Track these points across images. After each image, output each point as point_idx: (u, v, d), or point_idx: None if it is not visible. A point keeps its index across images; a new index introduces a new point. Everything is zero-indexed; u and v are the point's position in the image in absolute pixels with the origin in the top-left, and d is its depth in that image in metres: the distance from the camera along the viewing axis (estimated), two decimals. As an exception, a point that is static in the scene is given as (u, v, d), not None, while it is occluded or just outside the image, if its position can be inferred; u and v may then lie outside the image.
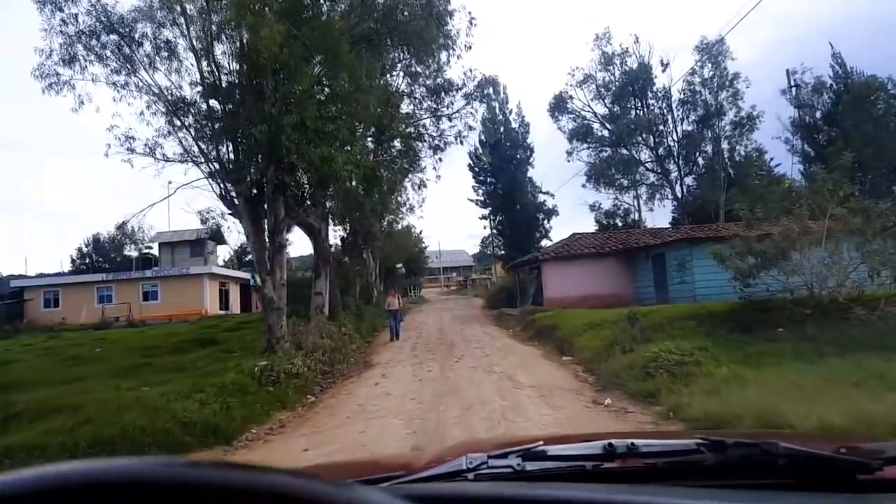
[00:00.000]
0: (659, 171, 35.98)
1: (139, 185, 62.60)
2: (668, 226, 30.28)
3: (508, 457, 1.08)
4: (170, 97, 11.38)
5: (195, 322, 22.92)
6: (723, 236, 13.23)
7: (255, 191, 11.03)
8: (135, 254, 31.12)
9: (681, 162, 35.42)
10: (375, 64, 14.06)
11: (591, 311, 14.87)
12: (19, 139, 75.43)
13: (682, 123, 35.02)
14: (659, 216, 48.48)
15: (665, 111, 35.44)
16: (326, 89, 12.41)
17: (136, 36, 10.84)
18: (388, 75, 17.25)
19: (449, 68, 17.87)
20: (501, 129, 38.69)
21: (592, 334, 11.90)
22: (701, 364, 7.72)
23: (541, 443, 1.15)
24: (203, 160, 11.49)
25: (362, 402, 8.14)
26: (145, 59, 11.06)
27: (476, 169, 39.31)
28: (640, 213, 36.83)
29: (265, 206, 11.16)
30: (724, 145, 34.29)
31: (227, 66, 11.23)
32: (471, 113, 18.62)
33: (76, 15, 10.56)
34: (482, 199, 39.71)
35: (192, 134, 11.49)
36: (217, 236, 31.31)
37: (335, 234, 21.71)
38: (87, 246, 47.96)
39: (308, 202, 13.74)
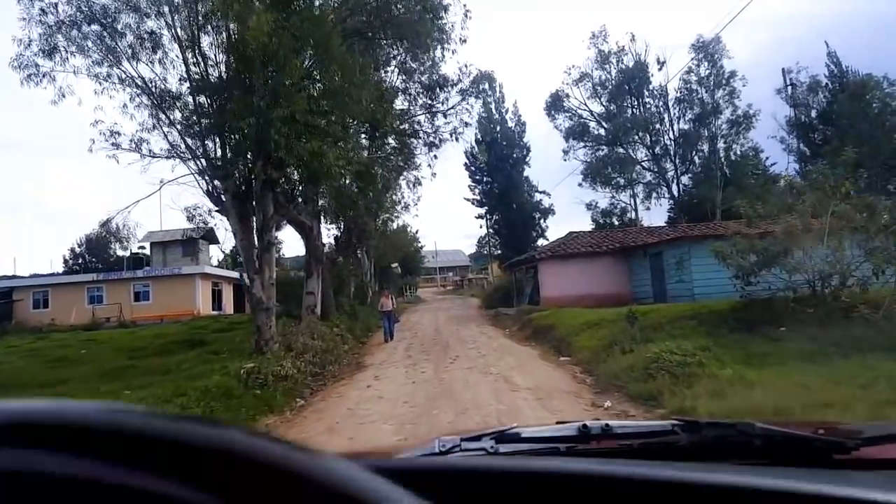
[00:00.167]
0: (655, 169, 35.87)
1: (136, 184, 62.10)
2: (665, 225, 30.11)
3: (482, 439, 1.08)
4: (154, 90, 11.04)
5: (186, 323, 22.61)
6: (721, 234, 13.05)
7: (242, 187, 10.71)
8: (126, 253, 30.78)
9: (677, 161, 35.32)
10: (369, 58, 13.77)
11: (588, 311, 14.66)
12: (14, 139, 74.63)
13: (678, 122, 34.96)
14: (655, 215, 48.40)
15: (661, 110, 35.35)
16: (318, 83, 12.13)
17: (119, 27, 10.47)
18: (382, 71, 16.94)
19: (444, 63, 17.60)
20: (497, 128, 38.47)
21: (590, 334, 11.68)
22: (703, 365, 7.50)
23: (515, 425, 1.16)
24: (190, 156, 11.16)
25: (353, 405, 7.83)
26: (128, 49, 10.69)
27: (472, 168, 39.12)
28: (637, 211, 36.75)
29: (253, 202, 10.84)
30: (721, 144, 34.22)
31: (214, 57, 10.91)
32: (466, 109, 18.33)
33: (56, 4, 10.21)
34: (478, 198, 39.52)
35: (178, 128, 11.16)
36: (210, 236, 30.95)
37: (328, 233, 21.42)
38: (79, 246, 47.51)
39: (299, 199, 13.41)
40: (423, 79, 17.98)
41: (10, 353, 15.35)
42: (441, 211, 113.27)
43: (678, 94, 34.34)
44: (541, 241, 34.85)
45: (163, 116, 11.39)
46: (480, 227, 43.02)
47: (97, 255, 44.53)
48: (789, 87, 34.07)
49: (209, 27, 10.45)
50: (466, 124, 18.50)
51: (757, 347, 8.72)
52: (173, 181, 11.55)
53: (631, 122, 34.59)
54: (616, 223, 35.24)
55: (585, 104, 36.11)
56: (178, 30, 10.38)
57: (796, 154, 33.60)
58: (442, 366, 10.89)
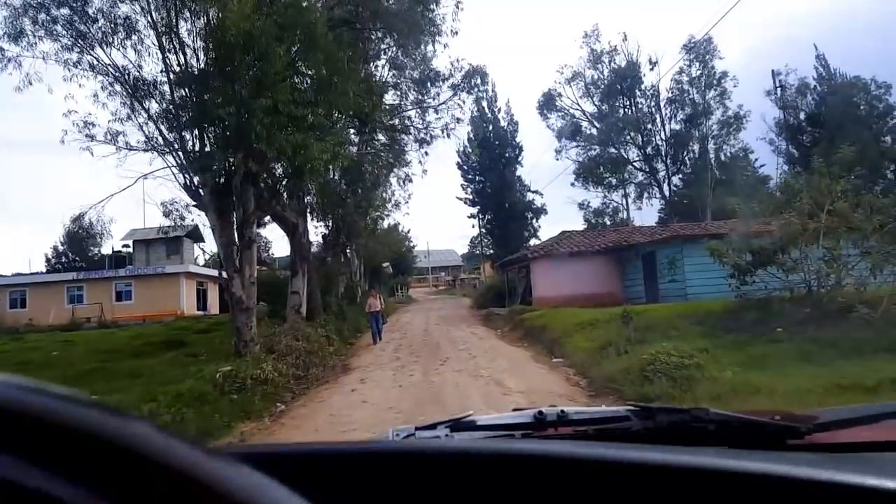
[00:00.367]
0: (647, 169, 35.79)
1: (121, 180, 60.81)
2: (655, 225, 30.01)
3: (437, 427, 1.10)
4: (129, 78, 10.55)
5: (168, 323, 22.05)
6: (714, 234, 12.88)
7: (222, 181, 10.25)
8: (107, 251, 30.11)
9: (668, 161, 35.28)
10: (358, 51, 13.37)
11: (581, 311, 14.38)
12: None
13: (669, 122, 34.94)
14: (647, 215, 48.38)
15: (653, 110, 35.28)
16: (304, 75, 11.72)
17: (91, 11, 9.96)
18: (372, 65, 16.53)
19: (435, 57, 17.19)
20: (490, 127, 38.16)
21: (584, 335, 11.39)
22: (702, 367, 7.20)
23: (471, 413, 1.19)
24: (167, 149, 10.69)
25: (335, 411, 7.42)
26: (100, 35, 10.19)
27: (465, 167, 38.81)
28: (629, 211, 36.65)
29: (233, 197, 10.38)
30: (711, 145, 34.21)
31: (193, 44, 10.45)
32: (458, 104, 17.89)
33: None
34: (471, 197, 39.17)
35: (154, 118, 10.69)
36: (194, 234, 30.34)
37: (316, 231, 20.95)
38: (62, 244, 46.48)
39: (283, 195, 12.95)
40: (414, 74, 17.59)
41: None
42: (434, 211, 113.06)
43: (670, 95, 34.35)
44: (533, 241, 34.58)
45: (138, 106, 10.91)
46: (473, 226, 42.67)
47: (80, 254, 43.59)
48: (778, 90, 34.15)
49: (187, 12, 9.99)
50: (458, 120, 18.09)
51: (755, 348, 8.43)
52: (150, 175, 11.06)
53: (623, 122, 34.50)
54: (608, 223, 35.11)
55: (578, 104, 36.03)
56: (154, 14, 9.90)
57: (785, 156, 33.68)
58: (431, 368, 10.51)
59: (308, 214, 16.72)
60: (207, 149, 10.69)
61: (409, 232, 45.04)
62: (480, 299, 29.32)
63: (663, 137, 34.96)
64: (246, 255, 10.57)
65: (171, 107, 10.81)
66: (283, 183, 12.49)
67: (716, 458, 0.73)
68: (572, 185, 36.36)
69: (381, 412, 7.08)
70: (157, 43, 10.60)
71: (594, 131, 35.85)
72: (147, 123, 11.03)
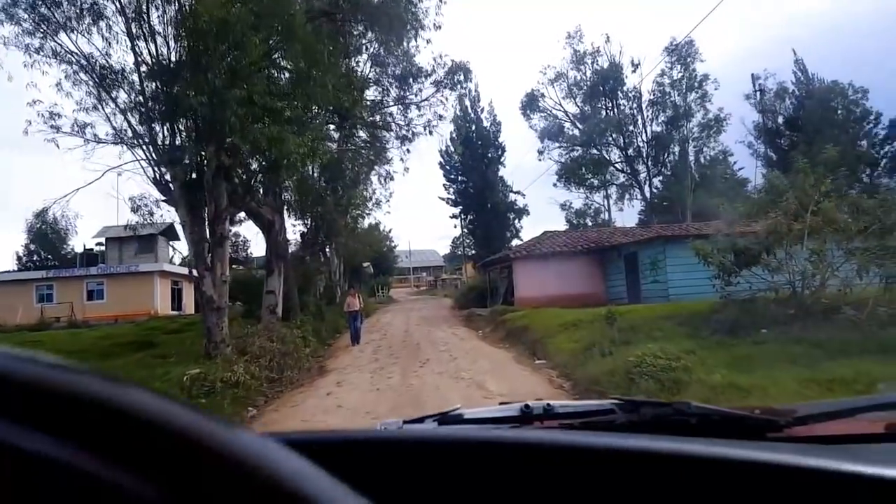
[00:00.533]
0: (628, 171, 35.95)
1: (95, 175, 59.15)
2: (636, 226, 30.13)
3: (424, 421, 1.15)
4: (95, 67, 10.05)
5: (141, 323, 21.37)
6: (696, 235, 12.82)
7: (193, 175, 9.81)
8: (79, 249, 29.17)
9: (649, 163, 35.47)
10: (339, 44, 12.99)
11: (564, 311, 14.22)
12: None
13: (651, 124, 35.11)
14: (628, 216, 48.71)
15: (635, 112, 35.43)
16: (281, 68, 11.33)
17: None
18: (353, 59, 16.13)
19: (418, 53, 16.87)
20: (473, 127, 38.00)
21: (567, 336, 11.19)
22: (690, 370, 7.02)
23: (458, 406, 1.23)
24: (135, 140, 10.21)
25: (308, 416, 7.05)
26: (65, 20, 9.67)
27: (447, 167, 38.62)
28: (610, 212, 36.79)
29: (205, 192, 9.93)
30: (692, 147, 34.50)
31: (164, 31, 9.98)
32: (441, 101, 17.57)
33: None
34: (453, 197, 38.98)
35: (123, 109, 10.20)
36: (170, 232, 29.54)
37: (294, 229, 20.45)
38: (32, 242, 44.99)
39: (260, 190, 12.50)
40: (396, 71, 17.24)
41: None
42: (416, 211, 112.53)
43: (651, 97, 34.54)
44: (515, 242, 34.48)
45: (105, 96, 10.42)
46: (455, 226, 42.50)
47: (53, 252, 42.23)
48: (758, 93, 34.61)
49: (158, -1, 9.54)
50: (441, 117, 17.79)
51: (740, 350, 8.29)
52: (117, 168, 10.56)
53: (605, 124, 34.57)
54: (590, 224, 35.19)
55: (560, 104, 36.05)
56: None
57: (763, 159, 34.14)
58: (411, 370, 10.20)
59: (286, 211, 16.29)
60: (178, 141, 10.24)
61: (390, 231, 44.72)
62: (462, 300, 29.07)
63: (645, 139, 35.16)
64: (218, 253, 10.12)
65: (140, 97, 10.35)
66: (259, 178, 12.05)
67: (699, 446, 0.75)
68: (554, 185, 36.42)
69: (357, 417, 6.75)
70: (125, 30, 10.14)
71: (576, 132, 35.90)
72: (115, 114, 10.57)
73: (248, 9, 9.28)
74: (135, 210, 10.89)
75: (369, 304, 27.24)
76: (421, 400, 7.56)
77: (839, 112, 32.10)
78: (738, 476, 0.69)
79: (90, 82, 10.52)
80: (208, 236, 10.15)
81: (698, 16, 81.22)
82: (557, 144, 36.08)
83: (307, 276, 19.97)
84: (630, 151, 35.45)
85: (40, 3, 9.36)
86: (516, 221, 38.01)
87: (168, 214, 11.85)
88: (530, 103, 35.76)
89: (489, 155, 37.78)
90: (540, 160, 36.15)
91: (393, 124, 17.67)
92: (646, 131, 35.11)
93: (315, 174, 16.03)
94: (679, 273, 15.66)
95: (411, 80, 16.94)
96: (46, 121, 10.35)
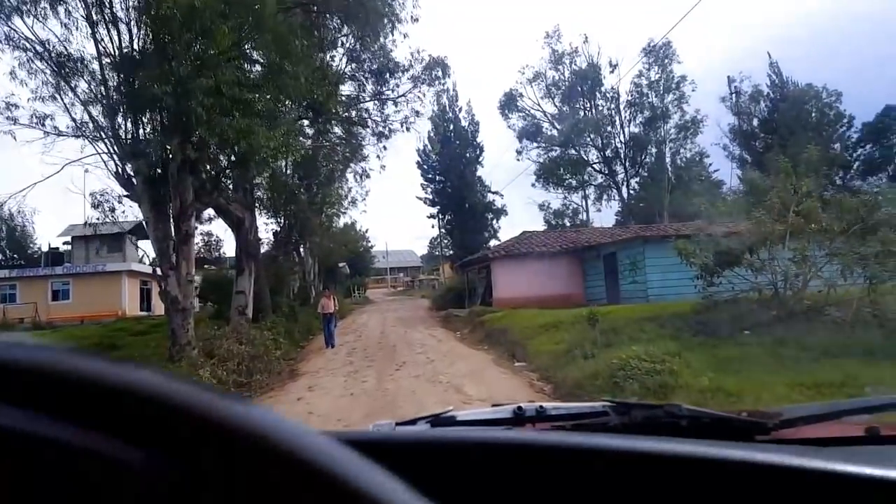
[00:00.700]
0: (606, 171, 36.10)
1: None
2: (614, 226, 30.23)
3: (417, 423, 1.14)
4: (52, 54, 9.45)
5: (108, 324, 20.55)
6: (676, 235, 12.70)
7: (157, 169, 9.27)
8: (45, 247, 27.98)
9: (627, 163, 35.68)
10: (312, 39, 12.53)
11: (543, 312, 14.00)
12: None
13: (629, 125, 35.31)
14: (606, 217, 49.08)
15: (613, 112, 35.59)
16: (252, 61, 10.86)
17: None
18: (328, 54, 15.67)
19: (395, 48, 16.48)
20: (451, 127, 37.69)
21: (548, 337, 10.98)
22: (675, 373, 6.80)
23: (450, 408, 1.23)
24: (97, 132, 9.65)
25: (276, 424, 6.64)
26: (19, 2, 9.07)
27: (425, 167, 38.22)
28: (588, 213, 36.90)
29: (170, 187, 9.40)
30: (668, 148, 34.82)
31: (126, 17, 9.44)
32: (418, 97, 17.24)
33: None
34: (431, 197, 38.58)
35: (83, 99, 9.63)
36: (139, 231, 28.50)
37: (267, 228, 19.84)
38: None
39: (229, 186, 11.96)
40: (373, 66, 16.81)
41: None
42: (393, 211, 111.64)
43: (629, 98, 34.73)
44: (493, 242, 34.29)
45: (64, 86, 9.83)
46: (432, 227, 42.12)
47: (18, 251, 40.52)
48: (733, 96, 35.12)
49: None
50: (418, 114, 17.46)
51: (724, 352, 8.14)
52: (77, 161, 9.98)
53: (583, 124, 34.64)
54: (568, 224, 35.22)
55: (539, 104, 36.02)
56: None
57: (738, 161, 34.67)
58: (386, 374, 9.82)
59: (258, 209, 15.73)
60: (142, 134, 9.71)
61: (366, 231, 44.18)
62: (440, 300, 28.73)
63: (622, 140, 35.35)
64: (183, 251, 9.60)
65: (102, 87, 9.79)
66: (227, 173, 11.52)
67: (689, 447, 0.76)
68: (533, 185, 36.38)
69: (328, 424, 6.34)
70: (86, 16, 9.58)
71: (555, 132, 35.93)
72: (74, 105, 10.00)
73: (217, -6, 8.82)
74: (96, 206, 10.31)
75: (345, 304, 26.71)
76: (397, 405, 7.20)
77: (813, 115, 32.70)
78: (728, 476, 0.70)
79: (47, 70, 9.94)
80: (173, 234, 9.63)
81: (676, 18, 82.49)
82: (536, 144, 36.09)
83: (280, 276, 19.38)
84: (608, 152, 35.61)
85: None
86: (494, 221, 37.85)
87: (131, 211, 11.28)
88: (509, 103, 35.67)
89: (467, 154, 37.53)
90: (518, 160, 36.12)
91: (369, 120, 17.29)
92: (623, 132, 35.34)
93: (288, 171, 15.54)
94: (658, 273, 15.58)
95: (388, 75, 16.57)
96: (2, 111, 9.79)
